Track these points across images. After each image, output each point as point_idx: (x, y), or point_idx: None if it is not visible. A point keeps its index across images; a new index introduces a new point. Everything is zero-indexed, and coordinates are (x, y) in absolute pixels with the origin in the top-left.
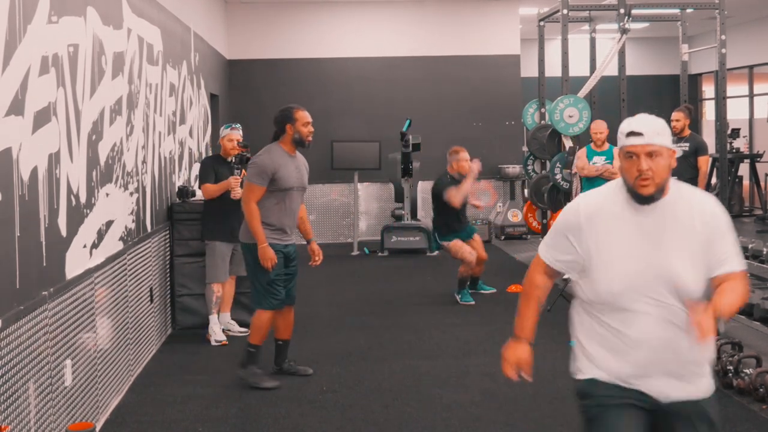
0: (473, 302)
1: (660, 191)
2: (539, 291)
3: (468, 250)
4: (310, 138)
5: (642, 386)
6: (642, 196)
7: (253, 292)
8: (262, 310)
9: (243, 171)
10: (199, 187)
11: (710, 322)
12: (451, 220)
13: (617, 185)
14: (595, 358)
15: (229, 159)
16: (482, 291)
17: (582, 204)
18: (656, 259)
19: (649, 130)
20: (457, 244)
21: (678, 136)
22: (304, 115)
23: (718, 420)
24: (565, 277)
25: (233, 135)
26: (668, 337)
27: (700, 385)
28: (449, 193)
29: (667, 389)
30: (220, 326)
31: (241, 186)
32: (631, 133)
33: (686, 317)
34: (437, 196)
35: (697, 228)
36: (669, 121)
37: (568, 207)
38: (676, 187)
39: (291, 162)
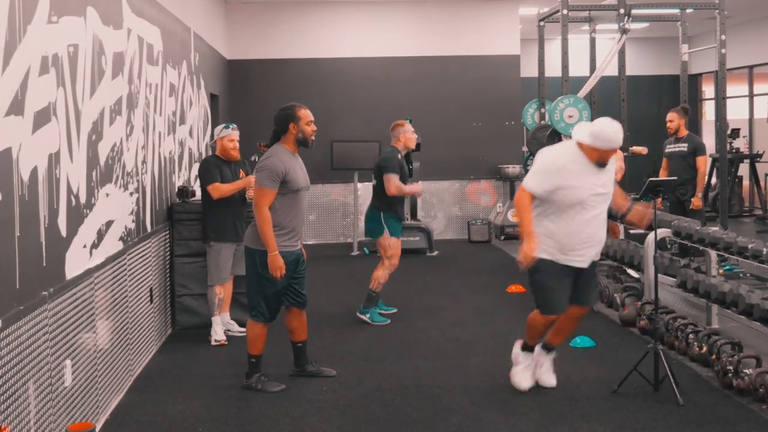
0: (388, 321)
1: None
2: (531, 205)
3: (398, 257)
4: (313, 137)
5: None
6: (601, 165)
7: (249, 300)
8: (255, 323)
9: (242, 172)
10: (205, 188)
11: None
12: (396, 203)
13: (575, 149)
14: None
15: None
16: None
17: (557, 153)
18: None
19: (619, 137)
20: (398, 244)
21: (675, 137)
22: (306, 114)
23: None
24: None
25: (234, 135)
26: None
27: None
28: (390, 181)
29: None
30: (222, 327)
31: None
32: (605, 142)
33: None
34: (380, 172)
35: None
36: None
37: (549, 155)
38: None
39: (296, 162)
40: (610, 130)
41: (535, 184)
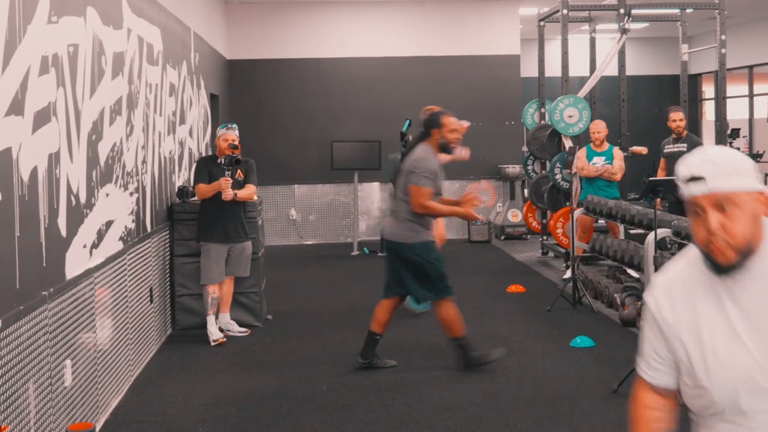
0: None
1: (745, 254)
2: (649, 411)
3: None
4: (455, 145)
5: None
6: (719, 265)
7: (426, 290)
8: (444, 301)
9: (239, 172)
10: (193, 188)
11: None
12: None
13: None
14: None
15: (219, 160)
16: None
17: (657, 288)
18: (762, 347)
19: (714, 171)
20: None
21: (673, 137)
22: (451, 122)
23: None
24: (566, 274)
25: (228, 135)
26: None
27: None
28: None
29: None
30: (216, 326)
31: (233, 187)
32: (691, 179)
33: None
34: None
35: None
36: (668, 122)
37: (647, 299)
38: None
39: (439, 165)
40: (690, 157)
41: (644, 362)
